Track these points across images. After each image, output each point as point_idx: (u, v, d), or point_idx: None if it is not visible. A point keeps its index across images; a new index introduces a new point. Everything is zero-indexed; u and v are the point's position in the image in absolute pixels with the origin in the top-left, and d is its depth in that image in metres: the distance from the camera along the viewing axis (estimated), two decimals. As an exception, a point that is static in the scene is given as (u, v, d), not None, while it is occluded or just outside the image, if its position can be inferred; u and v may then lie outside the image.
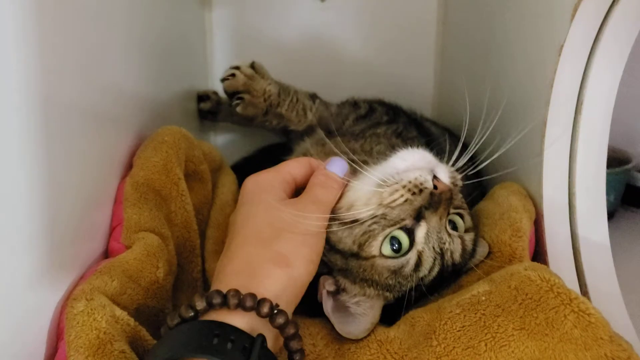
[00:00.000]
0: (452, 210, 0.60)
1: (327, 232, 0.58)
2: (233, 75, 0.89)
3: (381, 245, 0.57)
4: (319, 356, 0.56)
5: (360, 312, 0.59)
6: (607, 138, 0.70)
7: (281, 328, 0.46)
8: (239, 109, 0.90)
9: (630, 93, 1.25)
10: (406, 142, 0.80)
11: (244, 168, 0.94)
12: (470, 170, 0.69)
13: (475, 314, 0.53)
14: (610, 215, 1.13)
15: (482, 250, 0.64)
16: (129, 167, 0.71)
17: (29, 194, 0.49)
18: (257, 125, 1.19)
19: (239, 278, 0.49)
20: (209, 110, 1.14)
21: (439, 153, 0.66)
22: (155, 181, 0.68)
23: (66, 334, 0.51)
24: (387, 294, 0.59)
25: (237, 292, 0.45)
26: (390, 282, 0.58)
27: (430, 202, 0.57)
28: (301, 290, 0.53)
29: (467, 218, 0.63)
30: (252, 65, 0.90)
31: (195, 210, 0.74)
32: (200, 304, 0.46)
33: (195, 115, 1.13)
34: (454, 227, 0.61)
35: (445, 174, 0.59)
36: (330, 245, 0.60)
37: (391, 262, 0.58)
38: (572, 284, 0.66)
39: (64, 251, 0.56)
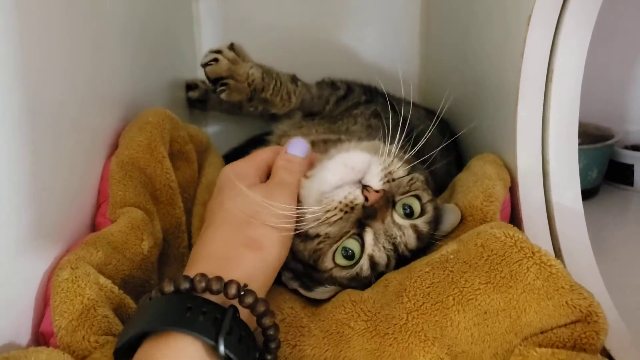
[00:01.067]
0: (400, 197, 0.60)
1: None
2: (215, 60, 0.85)
3: (333, 258, 0.59)
4: (295, 317, 0.58)
5: (327, 291, 0.62)
6: (578, 106, 0.72)
7: (251, 307, 0.46)
8: (223, 96, 0.86)
9: (614, 73, 1.28)
10: (383, 122, 0.81)
11: (234, 158, 0.94)
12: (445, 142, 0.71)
13: (444, 271, 0.55)
14: (595, 191, 1.14)
15: (454, 217, 0.65)
16: (115, 147, 0.73)
17: (13, 166, 0.52)
18: (246, 113, 1.22)
19: (211, 262, 0.50)
20: (198, 98, 1.16)
21: (410, 131, 0.67)
22: (139, 160, 0.70)
23: (51, 300, 0.53)
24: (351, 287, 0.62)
25: (203, 276, 0.46)
26: (353, 284, 0.60)
27: (365, 214, 0.57)
28: (273, 273, 0.54)
29: (424, 194, 0.62)
30: (232, 47, 0.87)
31: (180, 188, 0.76)
32: (168, 289, 0.46)
33: (185, 104, 1.15)
34: (410, 211, 0.61)
35: (376, 179, 0.57)
36: (292, 254, 0.60)
37: (346, 272, 0.59)
38: (547, 249, 0.67)
39: (49, 222, 0.58)
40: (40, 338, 0.54)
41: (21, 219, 0.53)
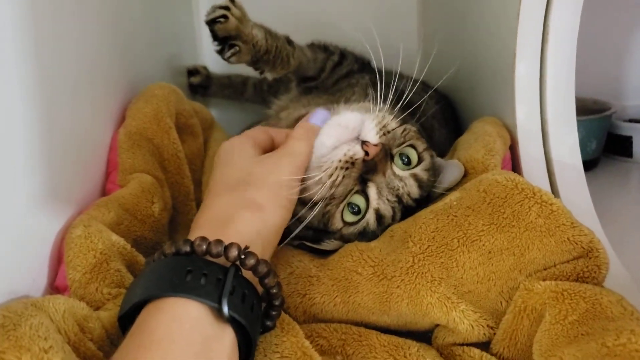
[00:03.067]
0: (397, 150, 0.62)
1: (299, 216, 0.59)
2: (224, 17, 0.76)
3: (342, 217, 0.60)
4: (304, 269, 0.59)
5: (334, 243, 0.63)
6: (574, 65, 0.73)
7: (253, 269, 0.46)
8: (233, 59, 0.78)
9: (611, 49, 1.29)
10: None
11: None
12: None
13: (448, 216, 0.56)
14: (594, 163, 1.16)
15: (458, 172, 0.65)
16: (122, 122, 0.75)
17: (29, 130, 0.54)
18: (247, 97, 1.23)
19: (211, 226, 0.49)
20: (199, 84, 1.18)
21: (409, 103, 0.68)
22: (147, 130, 0.72)
23: (65, 256, 0.55)
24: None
25: (203, 239, 0.45)
26: (363, 239, 0.62)
27: (366, 168, 0.58)
28: (276, 236, 0.53)
29: (419, 143, 0.64)
30: (235, 4, 0.79)
31: (187, 160, 0.78)
32: (169, 251, 0.45)
33: (186, 90, 1.16)
34: (408, 160, 0.62)
35: (372, 133, 0.58)
36: (300, 222, 0.60)
37: (354, 228, 0.61)
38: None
39: (62, 186, 0.60)
40: (55, 292, 0.55)
41: (35, 180, 0.55)
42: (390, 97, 0.63)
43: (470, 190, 0.57)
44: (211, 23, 0.76)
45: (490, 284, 0.53)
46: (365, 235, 0.62)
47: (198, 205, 0.76)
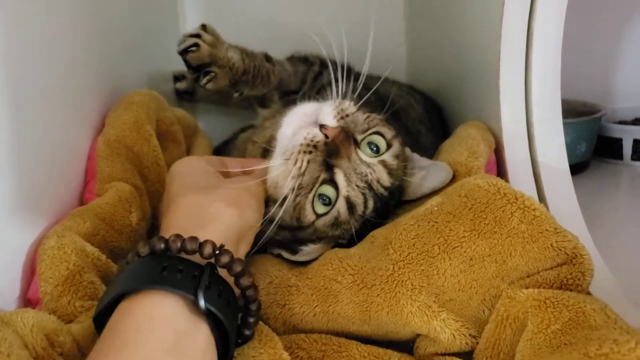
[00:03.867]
0: (363, 136, 0.62)
1: (271, 216, 0.59)
2: (196, 45, 0.77)
3: (313, 208, 0.59)
4: (283, 279, 0.58)
5: (311, 251, 0.62)
6: (559, 68, 0.72)
7: (228, 267, 0.45)
8: (210, 85, 0.80)
9: (601, 52, 1.29)
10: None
11: (224, 150, 0.94)
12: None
13: (428, 222, 0.55)
14: (585, 166, 1.15)
15: (445, 175, 0.64)
16: (101, 130, 0.73)
17: None
18: (235, 102, 1.22)
19: (185, 222, 0.48)
20: (186, 89, 1.16)
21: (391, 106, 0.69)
22: (126, 138, 0.71)
23: (38, 268, 0.53)
24: (339, 240, 0.62)
25: (178, 236, 0.44)
26: (336, 232, 0.61)
27: (329, 151, 0.58)
28: (249, 234, 0.53)
29: (385, 130, 0.63)
30: (205, 29, 0.80)
31: (169, 168, 0.76)
32: (144, 251, 0.45)
33: (173, 96, 1.15)
34: (377, 149, 0.62)
35: (329, 116, 0.59)
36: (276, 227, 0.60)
37: (326, 219, 0.60)
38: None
39: (36, 196, 0.59)
40: (28, 305, 0.54)
41: (4, 189, 0.53)
42: (343, 83, 0.64)
43: (451, 195, 0.56)
44: (183, 53, 0.77)
45: (472, 291, 0.52)
46: (339, 227, 0.60)
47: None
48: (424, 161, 0.67)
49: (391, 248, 0.55)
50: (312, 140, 0.58)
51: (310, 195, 0.59)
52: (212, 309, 0.41)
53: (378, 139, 0.62)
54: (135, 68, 0.93)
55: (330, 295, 0.54)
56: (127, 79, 0.87)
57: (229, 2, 1.22)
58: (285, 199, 0.58)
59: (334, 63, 0.87)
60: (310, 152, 0.58)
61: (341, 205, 0.59)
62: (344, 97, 0.65)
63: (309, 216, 0.59)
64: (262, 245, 0.62)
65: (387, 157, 0.62)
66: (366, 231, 0.60)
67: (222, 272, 0.46)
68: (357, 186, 0.59)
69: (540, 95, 0.73)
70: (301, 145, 0.58)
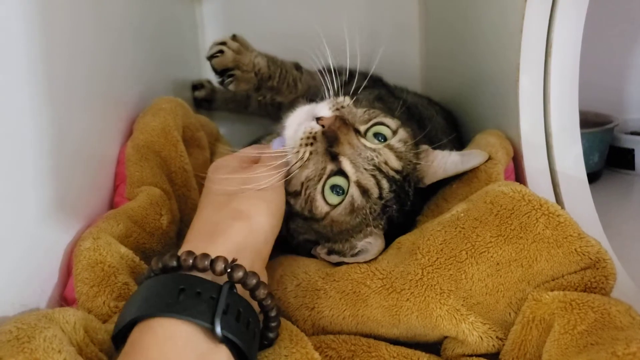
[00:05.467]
0: (365, 127, 0.64)
1: (288, 207, 0.61)
2: (221, 51, 0.85)
3: (324, 199, 0.61)
4: (310, 281, 0.59)
5: (368, 245, 0.63)
6: (578, 78, 0.74)
7: (242, 282, 0.45)
8: (231, 87, 0.87)
9: (614, 63, 1.31)
10: (387, 106, 0.84)
11: None
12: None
13: (455, 228, 0.57)
14: (597, 176, 1.16)
15: (480, 158, 0.67)
16: (129, 136, 0.75)
17: (38, 144, 0.55)
18: (252, 111, 1.24)
19: (199, 238, 0.50)
20: (204, 98, 1.18)
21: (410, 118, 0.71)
22: (155, 143, 0.73)
23: (74, 269, 0.55)
24: (369, 226, 0.62)
25: (190, 253, 0.45)
26: (358, 219, 0.61)
27: (329, 140, 0.60)
28: (266, 244, 0.53)
29: (389, 120, 0.65)
30: (235, 38, 0.87)
31: (194, 173, 0.78)
32: (156, 267, 0.46)
33: (191, 104, 1.17)
34: (384, 139, 0.64)
35: (324, 109, 0.63)
36: (294, 216, 0.64)
37: (342, 207, 0.61)
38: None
39: (71, 199, 0.61)
40: (64, 304, 0.55)
41: (45, 193, 0.55)
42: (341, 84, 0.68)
43: (477, 202, 0.58)
44: (210, 58, 0.85)
45: (498, 295, 0.53)
46: (357, 214, 0.61)
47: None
48: (462, 154, 0.69)
49: (419, 253, 0.56)
50: (310, 133, 0.61)
51: (319, 186, 0.61)
52: (229, 335, 0.41)
53: (384, 129, 0.64)
54: (159, 78, 0.96)
55: (359, 299, 0.56)
56: (153, 88, 0.90)
57: (247, 16, 1.25)
58: (296, 193, 0.61)
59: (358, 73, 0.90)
60: (311, 144, 0.61)
61: (354, 191, 0.60)
62: (372, 105, 0.67)
63: (321, 207, 0.61)
64: (300, 246, 0.65)
65: (393, 141, 0.64)
66: (393, 229, 0.63)
67: (238, 286, 0.46)
68: (366, 169, 0.61)
69: (559, 105, 0.74)
70: (301, 139, 0.61)
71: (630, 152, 1.17)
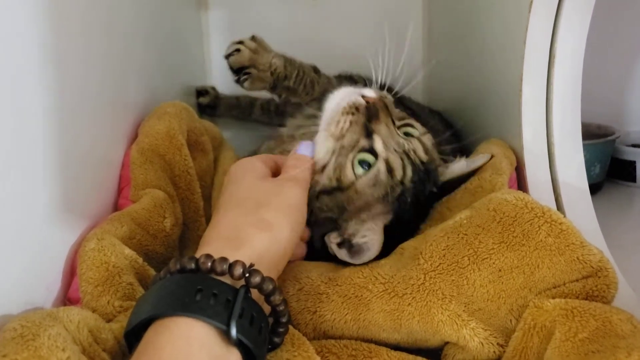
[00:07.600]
0: (399, 123, 0.68)
1: (311, 184, 0.63)
2: (238, 50, 0.87)
3: (353, 169, 0.63)
4: (313, 285, 0.59)
5: (368, 241, 0.63)
6: (580, 89, 0.74)
7: (258, 287, 0.46)
8: (246, 85, 0.88)
9: (616, 75, 1.32)
10: None
11: None
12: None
13: (458, 235, 0.57)
14: (598, 187, 1.17)
15: (482, 160, 0.71)
16: (133, 140, 0.76)
17: (49, 145, 0.55)
18: (255, 117, 1.25)
19: (220, 242, 0.50)
20: (208, 104, 1.19)
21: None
22: (159, 147, 0.73)
23: (78, 269, 0.55)
24: (380, 207, 0.63)
25: (208, 257, 0.45)
26: (376, 194, 0.63)
27: (370, 114, 0.64)
28: (284, 255, 0.54)
29: (417, 125, 0.70)
30: (254, 39, 0.89)
31: (198, 177, 0.79)
32: (174, 268, 0.46)
33: (195, 110, 1.17)
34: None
35: (370, 91, 0.67)
36: (316, 195, 0.64)
37: (367, 178, 0.63)
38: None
39: (77, 200, 0.61)
40: (68, 304, 0.56)
41: (53, 193, 0.56)
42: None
43: (480, 209, 0.58)
44: (227, 57, 0.88)
45: (500, 301, 0.53)
46: (380, 186, 0.63)
47: (207, 221, 0.76)
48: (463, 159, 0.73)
49: (422, 258, 0.56)
50: (354, 103, 0.65)
51: (351, 155, 0.63)
52: (243, 339, 0.41)
53: (414, 131, 0.69)
54: (164, 84, 0.97)
55: (361, 304, 0.56)
56: (158, 93, 0.90)
57: (252, 25, 1.25)
58: (324, 167, 0.64)
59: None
60: (352, 114, 0.64)
61: (381, 166, 0.63)
62: None
63: (349, 175, 0.63)
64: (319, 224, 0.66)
65: (423, 137, 0.69)
66: (398, 228, 0.64)
67: (253, 291, 0.46)
68: (396, 151, 0.64)
69: (561, 115, 0.75)
70: (344, 107, 0.65)
71: (632, 164, 1.18)
